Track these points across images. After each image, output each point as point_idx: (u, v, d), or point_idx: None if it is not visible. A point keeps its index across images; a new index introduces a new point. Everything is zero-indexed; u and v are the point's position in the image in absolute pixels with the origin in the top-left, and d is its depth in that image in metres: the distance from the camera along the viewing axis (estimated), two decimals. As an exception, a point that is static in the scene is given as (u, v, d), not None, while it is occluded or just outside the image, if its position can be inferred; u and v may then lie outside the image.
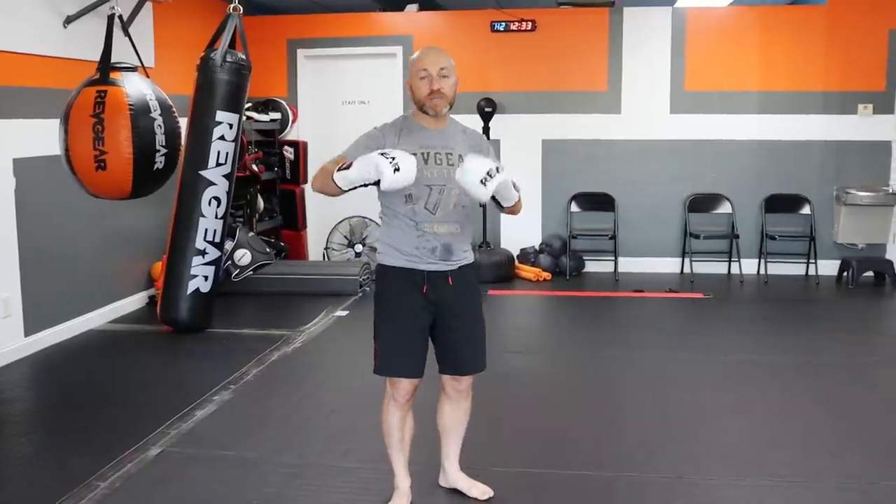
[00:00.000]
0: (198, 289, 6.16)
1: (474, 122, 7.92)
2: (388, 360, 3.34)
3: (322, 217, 8.96)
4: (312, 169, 8.85)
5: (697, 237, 8.37)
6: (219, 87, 5.98)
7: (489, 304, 6.20)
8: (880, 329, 6.95)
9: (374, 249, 8.48)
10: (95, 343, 6.16)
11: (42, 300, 5.87)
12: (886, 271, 8.09)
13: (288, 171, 8.84)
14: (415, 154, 3.10)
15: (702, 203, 8.55)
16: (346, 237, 8.60)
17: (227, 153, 6.09)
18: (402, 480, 3.52)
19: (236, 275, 7.44)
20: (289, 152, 8.81)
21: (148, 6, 6.49)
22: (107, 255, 6.69)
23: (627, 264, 8.60)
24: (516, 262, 8.53)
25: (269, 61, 8.70)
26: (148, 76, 5.21)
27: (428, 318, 3.33)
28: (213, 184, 6.06)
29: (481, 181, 2.97)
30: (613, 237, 8.52)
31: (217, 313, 6.46)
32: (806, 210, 8.38)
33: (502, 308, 7.08)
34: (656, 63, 8.52)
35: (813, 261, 8.33)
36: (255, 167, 8.07)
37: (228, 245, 7.14)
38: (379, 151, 2.96)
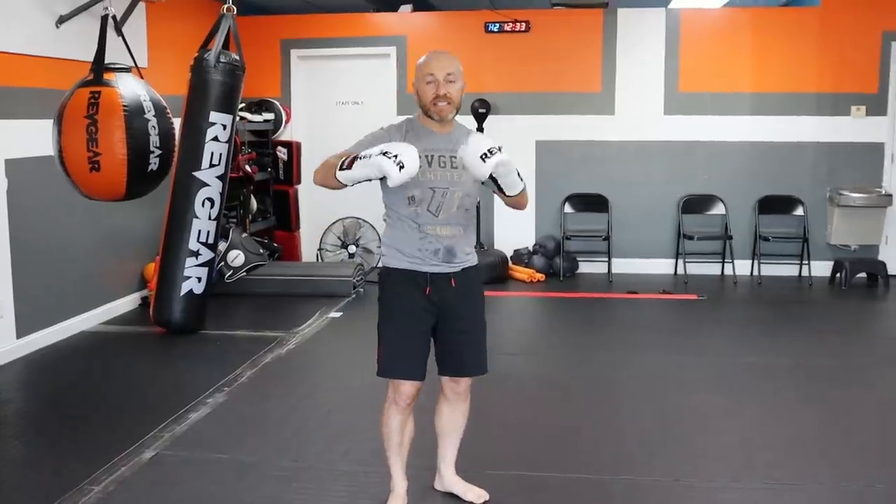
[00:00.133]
0: (191, 290, 6.14)
1: (468, 122, 7.90)
2: (392, 362, 3.33)
3: (315, 218, 8.94)
4: (306, 169, 8.85)
5: (691, 238, 8.37)
6: (212, 87, 5.95)
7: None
8: (873, 330, 6.96)
9: (367, 251, 8.48)
10: (88, 344, 6.14)
11: (34, 301, 5.85)
12: (879, 273, 8.10)
13: (281, 172, 8.80)
14: (418, 156, 3.07)
15: (695, 204, 8.56)
16: (339, 238, 8.58)
17: (221, 154, 6.06)
18: (399, 483, 3.51)
19: (229, 276, 7.41)
20: (282, 153, 8.78)
21: (141, 6, 6.46)
22: (99, 256, 6.66)
23: (621, 265, 8.59)
24: (510, 263, 8.53)
25: (263, 62, 8.67)
26: (142, 77, 5.19)
27: (431, 319, 3.33)
28: (207, 185, 6.04)
29: (481, 157, 2.96)
30: (607, 238, 8.52)
31: (210, 315, 6.43)
32: (799, 211, 8.40)
33: (496, 309, 7.03)
34: (650, 64, 8.52)
35: (806, 262, 8.34)
36: (248, 168, 8.05)
37: (222, 246, 7.11)
38: (380, 150, 2.95)
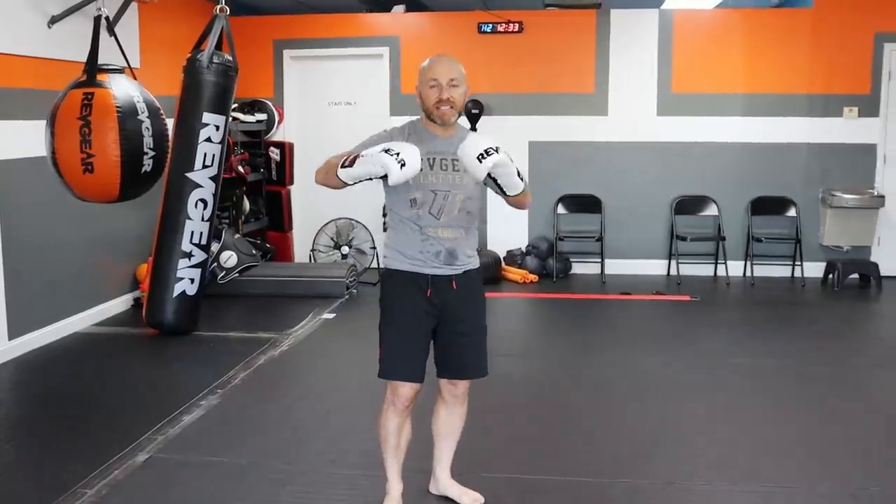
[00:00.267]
0: (184, 291, 6.12)
1: (461, 123, 7.89)
2: (392, 364, 3.32)
3: (308, 219, 8.92)
4: (299, 170, 8.84)
5: (684, 239, 8.38)
6: (205, 88, 5.93)
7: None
8: (866, 331, 6.99)
9: (360, 252, 8.46)
10: (80, 346, 6.11)
11: (27, 302, 5.82)
12: (871, 274, 8.13)
13: (274, 173, 8.79)
14: (420, 159, 3.08)
15: (688, 205, 8.56)
16: (332, 239, 8.56)
17: (214, 155, 6.04)
18: (394, 486, 3.51)
19: (222, 277, 7.39)
20: (275, 153, 8.76)
21: (133, 6, 6.43)
22: (92, 256, 6.64)
23: (614, 266, 8.59)
24: (503, 263, 8.52)
25: (255, 62, 8.65)
26: (135, 78, 5.16)
27: (431, 322, 3.33)
28: (200, 186, 6.02)
29: (478, 157, 2.96)
30: (600, 239, 8.53)
31: (203, 316, 6.41)
32: (792, 212, 8.41)
33: (489, 311, 6.95)
34: (643, 65, 8.52)
35: (799, 263, 8.36)
36: (240, 168, 8.02)
37: (214, 247, 7.09)
38: (382, 147, 2.96)
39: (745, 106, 8.43)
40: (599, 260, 8.57)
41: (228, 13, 5.94)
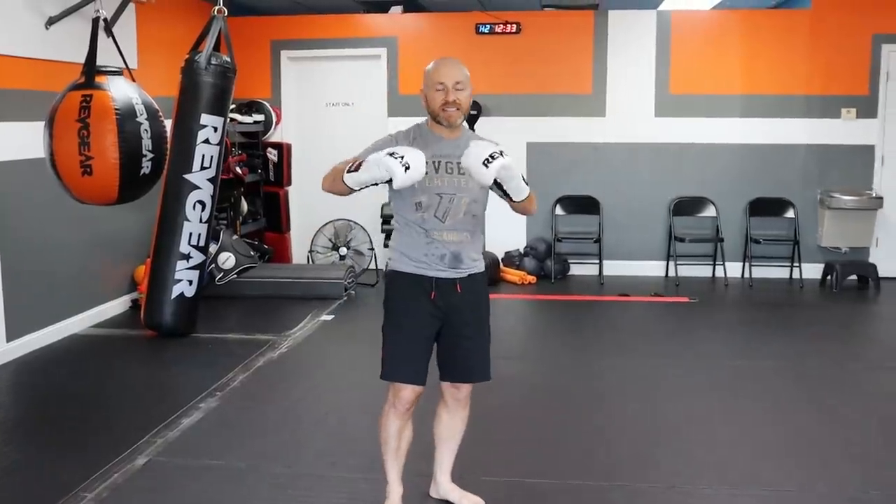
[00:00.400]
0: (182, 293, 6.11)
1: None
2: (394, 366, 3.32)
3: (306, 220, 8.91)
4: (296, 171, 8.83)
5: (682, 240, 8.38)
6: (203, 90, 5.92)
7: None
8: (865, 333, 6.98)
9: (359, 253, 8.45)
10: (78, 348, 6.10)
11: (25, 304, 5.80)
12: (870, 275, 8.13)
13: (271, 174, 8.77)
14: (426, 162, 3.10)
15: (686, 206, 8.57)
16: (330, 240, 8.55)
17: (212, 157, 6.03)
18: (395, 489, 3.50)
19: (220, 278, 7.38)
20: (272, 154, 8.74)
21: (130, 7, 6.41)
22: (89, 258, 6.62)
23: (612, 267, 8.59)
24: (501, 265, 8.51)
25: (253, 63, 8.63)
26: (133, 79, 5.15)
27: (435, 324, 3.33)
28: (198, 187, 6.01)
29: (483, 162, 2.96)
30: (598, 240, 8.53)
31: (201, 317, 6.40)
32: (790, 214, 8.41)
33: (488, 312, 7.03)
34: (641, 66, 8.52)
35: (797, 264, 8.36)
36: (238, 169, 8.01)
37: (212, 248, 7.07)
38: (387, 151, 2.97)
39: (744, 107, 8.43)
40: (598, 261, 8.56)
41: (226, 14, 5.93)
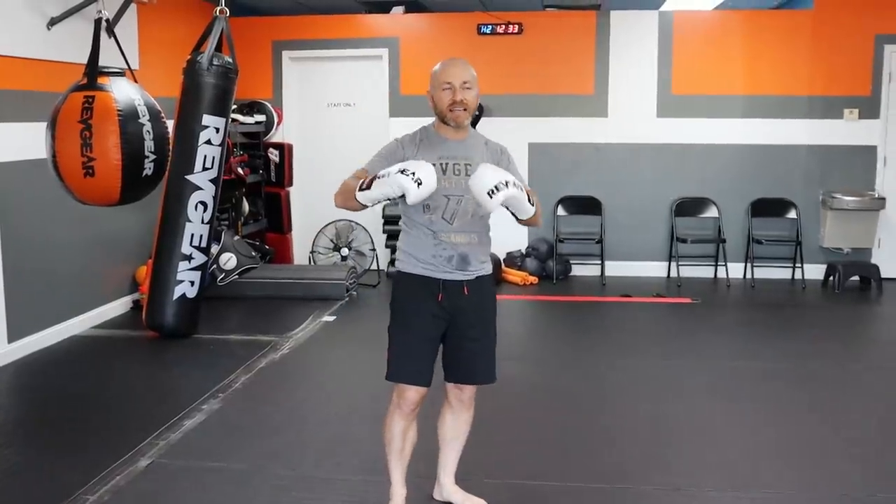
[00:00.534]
0: (184, 294, 6.10)
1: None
2: (400, 366, 3.31)
3: (307, 220, 8.90)
4: (298, 171, 8.83)
5: (684, 241, 8.37)
6: (205, 90, 5.90)
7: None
8: (868, 334, 6.98)
9: (360, 253, 8.43)
10: (80, 349, 6.08)
11: (26, 305, 5.79)
12: (872, 276, 8.12)
13: (273, 174, 8.77)
14: (433, 164, 3.12)
15: (688, 207, 8.56)
16: (332, 241, 8.53)
17: (214, 157, 6.02)
18: (398, 491, 3.49)
19: (222, 279, 7.37)
20: (274, 155, 8.74)
21: (132, 8, 6.40)
22: (91, 259, 6.61)
23: (614, 268, 8.58)
24: (503, 265, 8.50)
25: (254, 63, 8.62)
26: (136, 80, 5.14)
27: (441, 326, 3.32)
28: (200, 188, 6.00)
29: (489, 192, 2.95)
30: (600, 241, 8.52)
31: (202, 318, 6.39)
32: (792, 214, 8.40)
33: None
34: (643, 66, 8.51)
35: (799, 265, 8.35)
36: (240, 170, 8.00)
37: (214, 249, 7.06)
38: (398, 168, 2.95)
39: (746, 107, 8.42)
40: (599, 262, 8.56)
41: (228, 15, 5.92)
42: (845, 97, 8.26)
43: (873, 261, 8.34)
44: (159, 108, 5.06)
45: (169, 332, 6.18)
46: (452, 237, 3.25)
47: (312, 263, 8.60)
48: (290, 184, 8.82)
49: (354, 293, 7.74)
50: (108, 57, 5.22)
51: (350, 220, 8.45)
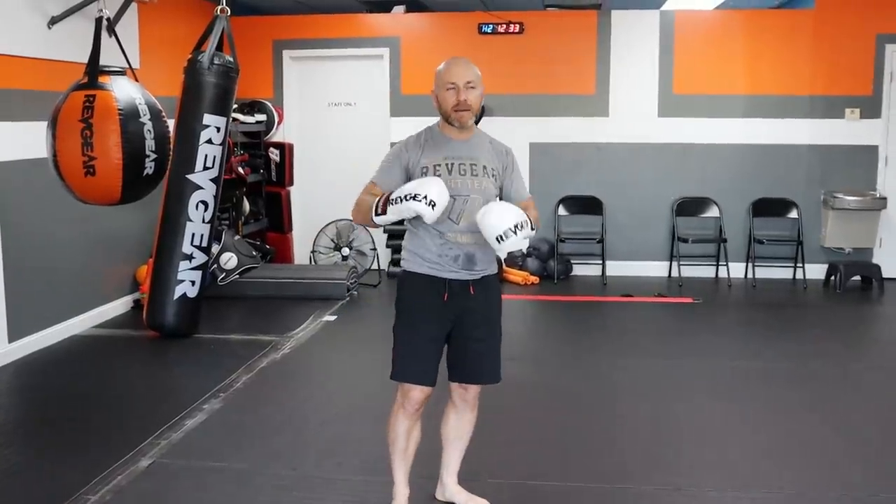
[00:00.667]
0: (185, 294, 6.09)
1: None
2: (405, 366, 3.31)
3: (308, 220, 8.89)
4: (298, 171, 8.82)
5: (685, 241, 8.36)
6: (206, 90, 5.90)
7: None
8: (869, 334, 6.98)
9: (361, 253, 8.43)
10: (80, 349, 6.07)
11: (26, 305, 5.78)
12: (874, 276, 8.11)
13: (273, 174, 8.76)
14: (438, 165, 3.18)
15: (689, 206, 8.55)
16: (332, 240, 8.53)
17: (215, 157, 6.01)
18: (401, 491, 3.49)
19: (222, 278, 7.36)
20: (274, 154, 8.73)
21: (132, 7, 6.39)
22: (91, 258, 6.60)
23: (615, 268, 8.57)
24: (504, 265, 8.48)
25: (255, 62, 8.60)
26: (136, 79, 5.13)
27: (447, 325, 3.32)
28: (201, 188, 5.99)
29: (497, 238, 3.03)
30: (601, 241, 8.51)
31: (203, 318, 6.38)
32: (793, 214, 8.39)
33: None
34: (644, 66, 8.50)
35: (800, 265, 8.34)
36: (240, 170, 7.99)
37: (214, 248, 7.05)
38: (409, 194, 3.00)
39: (747, 107, 8.41)
40: (600, 262, 8.55)
41: (229, 14, 5.91)
42: (847, 97, 8.26)
43: (875, 261, 8.33)
44: (160, 108, 5.04)
45: (170, 332, 6.17)
46: (458, 237, 3.24)
47: (313, 263, 8.60)
48: (291, 183, 8.81)
49: (355, 293, 7.73)
50: (109, 56, 5.21)
51: (350, 220, 8.43)
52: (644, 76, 8.51)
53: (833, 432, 4.51)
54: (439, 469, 3.63)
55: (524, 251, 8.56)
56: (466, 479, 3.65)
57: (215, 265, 7.26)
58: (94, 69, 4.84)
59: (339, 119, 9.04)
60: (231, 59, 5.98)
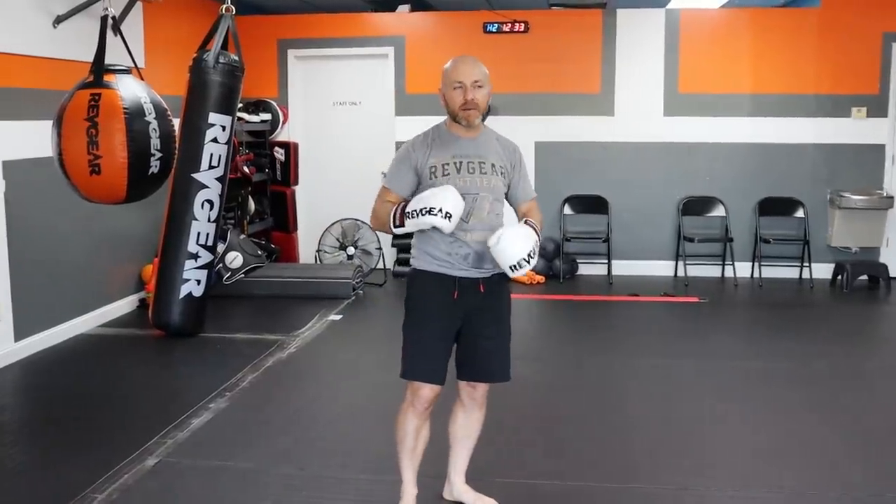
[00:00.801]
0: (190, 293, 6.08)
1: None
2: (414, 364, 3.30)
3: (313, 219, 8.87)
4: (303, 170, 8.80)
5: (691, 240, 8.34)
6: (211, 88, 5.89)
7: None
8: (876, 334, 6.95)
9: (366, 252, 8.42)
10: (86, 348, 6.07)
11: (32, 304, 5.78)
12: (881, 275, 8.09)
13: (279, 173, 8.75)
14: (447, 164, 3.18)
15: (695, 206, 8.52)
16: (338, 240, 8.51)
17: (220, 156, 6.01)
18: (409, 490, 3.47)
19: (227, 278, 7.36)
20: (279, 154, 8.72)
21: (138, 6, 6.38)
22: (97, 257, 6.60)
23: (621, 267, 8.55)
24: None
25: (260, 62, 8.58)
26: (142, 78, 5.12)
27: (457, 323, 3.31)
28: (206, 187, 5.99)
29: (511, 267, 3.12)
30: (607, 240, 8.49)
31: (209, 317, 6.37)
32: (800, 213, 8.37)
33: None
34: (649, 65, 8.48)
35: (807, 264, 8.31)
36: (245, 169, 7.98)
37: (220, 247, 7.04)
38: (425, 208, 3.05)
39: (753, 106, 8.39)
40: (606, 261, 8.53)
41: (234, 13, 5.90)
42: (853, 96, 8.23)
43: (882, 260, 8.31)
44: (165, 106, 5.03)
45: (175, 331, 6.17)
46: (468, 235, 3.23)
47: (318, 262, 8.59)
48: (296, 182, 8.80)
49: (361, 292, 7.72)
50: (114, 55, 5.18)
51: (356, 220, 8.44)
52: (649, 75, 8.49)
53: (841, 432, 4.48)
54: (447, 468, 3.61)
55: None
56: (474, 479, 3.63)
57: (221, 264, 7.25)
58: (99, 68, 4.81)
59: (344, 118, 9.03)
60: (236, 58, 5.98)
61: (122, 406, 4.91)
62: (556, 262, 8.46)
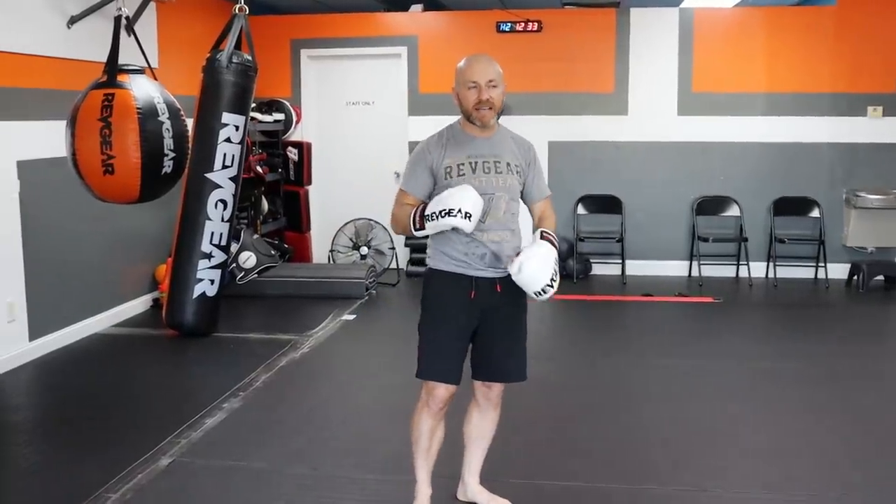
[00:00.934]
0: (204, 293, 6.08)
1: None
2: (430, 364, 3.28)
3: (326, 219, 8.87)
4: (317, 170, 8.78)
5: (706, 240, 8.30)
6: (225, 88, 5.90)
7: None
8: (893, 335, 6.90)
9: (380, 252, 8.41)
10: (100, 347, 6.08)
11: (46, 304, 5.79)
12: (897, 275, 8.03)
13: (292, 173, 8.75)
14: (462, 164, 3.17)
15: (710, 205, 8.48)
16: (351, 239, 8.51)
17: (234, 155, 6.01)
18: (423, 490, 3.46)
19: (241, 277, 7.36)
20: (292, 153, 8.72)
21: (151, 6, 6.39)
22: (111, 257, 6.61)
23: (635, 267, 8.52)
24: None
25: (273, 61, 8.59)
26: (155, 78, 5.12)
27: (473, 323, 3.29)
28: (220, 186, 5.99)
29: (535, 294, 3.14)
30: (621, 240, 8.46)
31: (222, 317, 6.37)
32: (815, 213, 8.32)
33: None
34: (663, 64, 8.45)
35: (822, 264, 8.26)
36: (258, 169, 7.98)
37: (233, 247, 7.05)
38: (444, 210, 3.03)
39: (767, 105, 8.34)
40: (620, 261, 8.50)
41: (247, 13, 5.91)
42: (869, 94, 8.17)
43: (898, 260, 8.26)
44: (179, 106, 5.03)
45: (189, 331, 6.17)
46: (485, 235, 3.21)
47: (332, 262, 8.58)
48: (309, 182, 8.79)
49: (374, 292, 7.71)
50: (128, 55, 5.19)
51: (369, 219, 8.43)
52: (663, 74, 8.45)
53: (859, 433, 4.44)
54: (461, 468, 3.60)
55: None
56: (488, 479, 3.62)
57: (234, 264, 7.25)
58: (112, 68, 4.83)
59: (357, 118, 9.02)
60: (249, 58, 5.98)
61: (135, 406, 4.91)
62: (569, 262, 8.43)
